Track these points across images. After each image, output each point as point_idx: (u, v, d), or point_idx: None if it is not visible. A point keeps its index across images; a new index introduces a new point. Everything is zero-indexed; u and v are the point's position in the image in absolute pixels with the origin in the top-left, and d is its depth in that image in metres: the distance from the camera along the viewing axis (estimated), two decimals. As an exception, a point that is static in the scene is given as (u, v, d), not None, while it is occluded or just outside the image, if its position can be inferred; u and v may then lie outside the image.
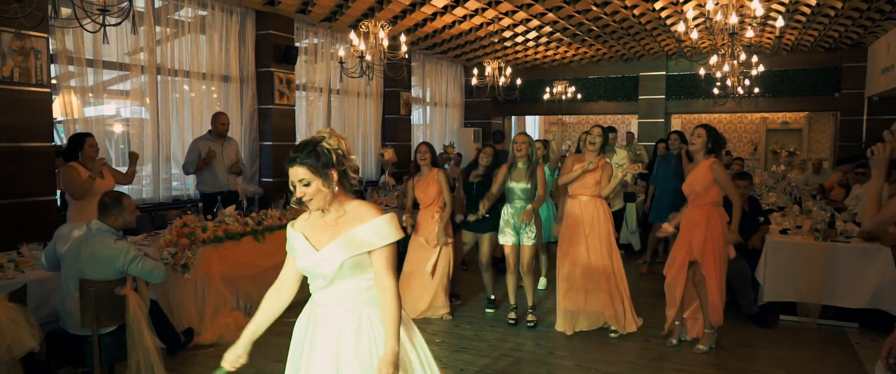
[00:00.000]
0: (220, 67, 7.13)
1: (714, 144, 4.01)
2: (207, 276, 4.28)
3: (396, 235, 1.90)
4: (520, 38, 9.96)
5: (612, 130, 5.89)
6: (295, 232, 1.97)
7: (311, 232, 1.94)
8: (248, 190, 7.10)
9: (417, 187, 4.87)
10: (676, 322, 4.24)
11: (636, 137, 12.45)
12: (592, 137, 4.41)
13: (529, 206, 4.49)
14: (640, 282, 6.07)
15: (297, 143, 1.90)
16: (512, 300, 4.82)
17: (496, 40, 9.91)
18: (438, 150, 10.47)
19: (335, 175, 1.87)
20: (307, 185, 1.85)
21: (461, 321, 4.86)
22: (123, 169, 5.22)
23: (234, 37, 7.22)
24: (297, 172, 1.84)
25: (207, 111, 6.86)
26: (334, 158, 1.86)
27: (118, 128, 6.50)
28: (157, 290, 4.00)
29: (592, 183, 4.39)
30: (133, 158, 4.97)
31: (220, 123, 5.80)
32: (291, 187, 1.88)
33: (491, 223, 4.87)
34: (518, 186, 4.56)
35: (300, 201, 1.88)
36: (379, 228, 1.88)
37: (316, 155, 1.84)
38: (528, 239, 4.53)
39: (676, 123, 14.27)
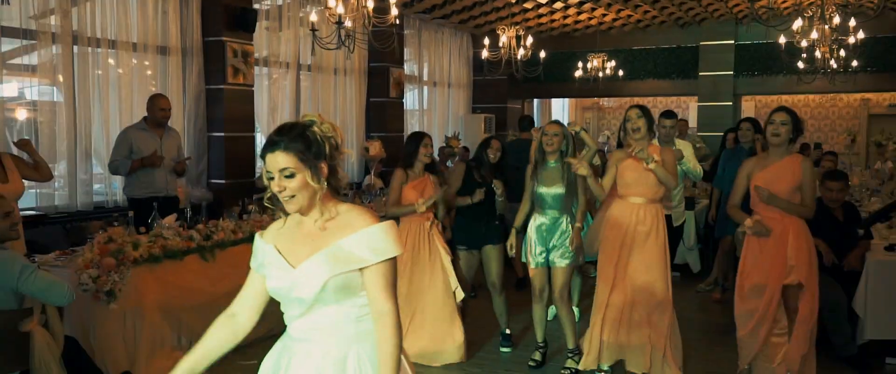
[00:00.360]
0: (155, 35, 7.14)
1: (797, 133, 4.11)
2: (140, 306, 4.28)
3: (396, 248, 1.92)
4: None
5: (669, 115, 5.80)
6: (265, 244, 2.00)
7: (287, 244, 1.98)
8: (192, 195, 7.13)
9: (410, 185, 4.86)
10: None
11: (695, 125, 12.48)
12: (632, 122, 4.38)
13: (577, 222, 4.53)
14: (691, 312, 6.16)
15: (278, 126, 1.97)
16: (539, 337, 4.83)
17: (513, 1, 9.95)
18: (439, 143, 9.95)
19: (325, 169, 1.92)
20: (290, 176, 1.89)
21: (468, 364, 4.87)
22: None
23: None
24: (279, 160, 1.89)
25: (139, 93, 6.92)
26: (327, 148, 1.93)
27: (22, 113, 6.50)
28: (74, 325, 4.02)
29: (654, 181, 4.37)
30: (24, 145, 4.92)
31: (158, 108, 5.80)
32: (265, 180, 1.92)
33: (493, 233, 4.89)
34: (549, 191, 4.56)
35: (275, 200, 1.92)
36: (373, 239, 1.90)
37: (305, 141, 1.89)
38: (563, 258, 4.55)
39: (749, 108, 14.30)
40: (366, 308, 1.95)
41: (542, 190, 4.58)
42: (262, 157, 1.92)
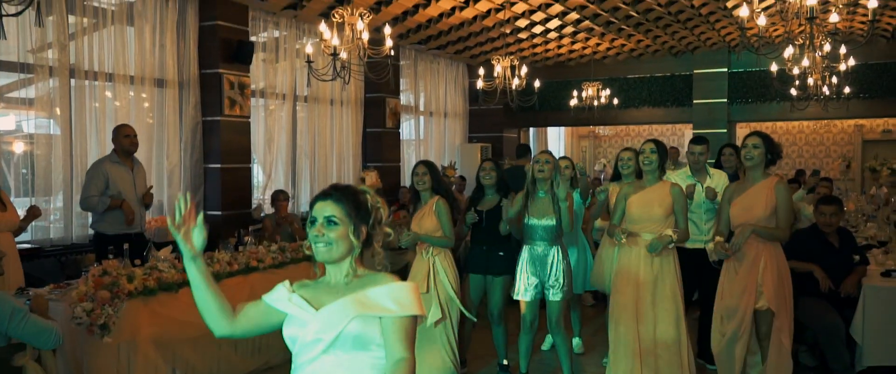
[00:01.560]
0: (152, 67, 7.17)
1: (773, 155, 4.18)
2: (134, 339, 4.26)
3: (418, 308, 2.00)
4: (538, 28, 10.08)
5: (700, 141, 5.47)
6: (290, 291, 2.07)
7: (311, 294, 2.07)
8: None
9: (414, 219, 4.92)
10: None
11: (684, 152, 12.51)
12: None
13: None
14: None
15: (333, 184, 2.15)
16: (523, 367, 4.82)
17: (508, 32, 10.02)
18: None
19: (364, 233, 2.07)
20: (333, 224, 2.02)
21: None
22: (21, 212, 5.23)
23: (170, 29, 7.28)
24: (328, 208, 2.03)
25: (137, 125, 6.79)
26: (372, 217, 2.09)
27: (19, 146, 6.51)
28: (68, 359, 3.98)
29: (661, 216, 4.36)
30: (33, 214, 5.04)
31: (123, 136, 5.71)
32: (308, 225, 2.05)
33: (506, 263, 4.88)
34: (540, 222, 4.58)
35: (318, 240, 2.02)
36: (397, 293, 1.99)
37: (356, 201, 2.06)
38: (556, 293, 4.59)
39: (743, 135, 14.27)
40: (379, 361, 1.99)
41: (534, 221, 4.60)
42: (312, 205, 2.07)
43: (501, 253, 4.88)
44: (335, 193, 2.05)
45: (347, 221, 2.02)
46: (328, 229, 2.00)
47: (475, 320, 5.08)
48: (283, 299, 2.06)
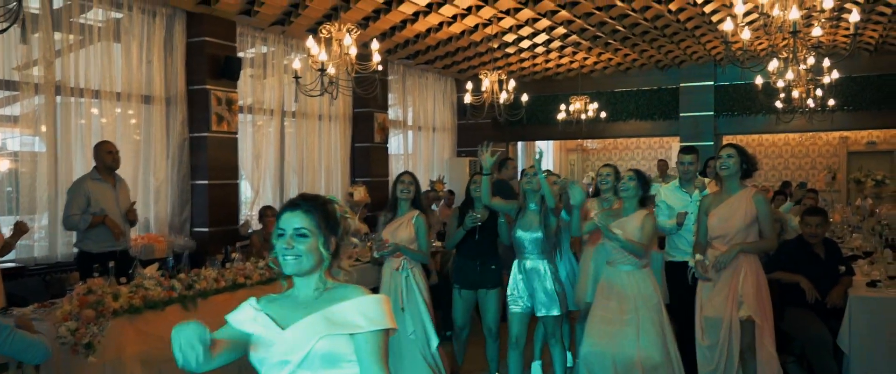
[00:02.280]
0: (139, 84, 7.17)
1: (749, 166, 4.23)
2: (120, 358, 4.19)
3: (389, 320, 1.92)
4: (525, 43, 10.14)
5: (689, 150, 5.31)
6: (256, 310, 2.00)
7: (278, 312, 1.99)
8: (174, 244, 7.13)
9: (387, 228, 4.81)
10: None
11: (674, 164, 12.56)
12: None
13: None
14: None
15: (301, 194, 2.08)
16: None
17: (495, 46, 10.09)
18: (424, 186, 10.26)
19: (333, 245, 2.01)
20: (302, 237, 1.95)
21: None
22: (6, 231, 5.21)
23: (158, 45, 7.29)
24: (296, 220, 1.96)
25: (123, 142, 6.90)
26: (341, 227, 2.02)
27: (3, 164, 6.49)
28: (51, 378, 3.95)
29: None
30: (20, 229, 5.00)
31: (105, 152, 5.63)
32: (274, 237, 1.98)
33: (499, 275, 4.86)
34: (527, 235, 4.58)
35: (286, 252, 1.94)
36: (366, 307, 1.92)
37: (324, 211, 2.00)
38: (551, 310, 4.60)
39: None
40: None
41: (521, 233, 4.59)
42: (279, 216, 1.99)
43: (493, 266, 4.88)
44: (304, 203, 1.99)
45: (317, 232, 1.96)
46: (297, 242, 1.94)
47: (448, 335, 5.00)
48: (248, 319, 1.99)
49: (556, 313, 4.59)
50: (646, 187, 4.51)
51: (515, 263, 4.67)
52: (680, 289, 4.81)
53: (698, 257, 4.21)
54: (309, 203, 1.98)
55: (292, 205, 1.98)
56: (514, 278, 4.66)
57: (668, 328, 4.37)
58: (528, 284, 4.60)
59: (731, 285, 4.14)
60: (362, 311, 1.90)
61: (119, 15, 6.93)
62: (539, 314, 4.63)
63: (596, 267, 4.85)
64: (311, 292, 1.99)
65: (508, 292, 4.70)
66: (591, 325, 4.43)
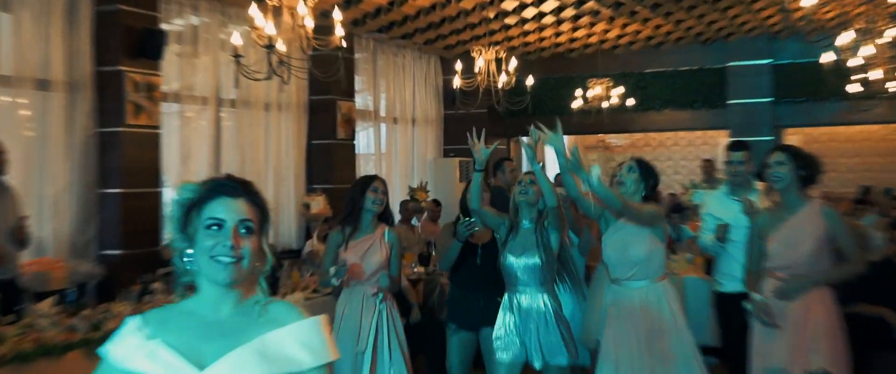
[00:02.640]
0: (33, 65, 6.67)
1: (808, 172, 3.96)
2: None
3: (332, 351, 1.73)
4: (530, 12, 9.36)
5: (739, 147, 5.05)
6: (144, 339, 1.68)
7: (183, 339, 1.70)
8: (76, 271, 6.53)
9: (351, 248, 4.41)
10: None
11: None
12: (623, 173, 4.37)
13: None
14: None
15: (226, 174, 1.85)
16: None
17: (492, 16, 9.35)
18: (402, 195, 9.93)
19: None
20: (249, 233, 1.74)
21: None
22: None
23: (57, 16, 6.75)
24: (243, 209, 1.74)
25: (12, 138, 6.21)
26: (268, 218, 1.86)
27: None
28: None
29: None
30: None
31: None
32: (203, 230, 1.71)
33: (495, 311, 4.44)
34: (519, 262, 4.19)
35: (229, 252, 1.68)
36: (307, 336, 1.72)
37: (264, 201, 1.82)
38: (558, 357, 4.17)
39: (794, 143, 13.68)
40: None
41: (512, 259, 4.20)
42: (205, 201, 1.73)
43: (499, 299, 4.44)
44: (244, 188, 1.75)
45: (259, 229, 1.76)
46: (245, 239, 1.71)
47: None
48: (138, 354, 1.66)
49: (562, 362, 4.18)
50: (650, 179, 4.31)
51: (506, 296, 4.30)
52: (734, 326, 4.44)
53: (756, 297, 3.90)
54: (249, 188, 1.77)
55: (230, 189, 1.73)
56: (504, 315, 4.26)
57: (699, 356, 4.14)
58: (520, 326, 4.20)
59: (799, 326, 3.84)
60: (303, 341, 1.70)
61: (7, -22, 6.56)
62: (536, 366, 4.16)
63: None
64: (227, 310, 1.73)
65: (494, 335, 4.28)
66: (605, 361, 4.16)
